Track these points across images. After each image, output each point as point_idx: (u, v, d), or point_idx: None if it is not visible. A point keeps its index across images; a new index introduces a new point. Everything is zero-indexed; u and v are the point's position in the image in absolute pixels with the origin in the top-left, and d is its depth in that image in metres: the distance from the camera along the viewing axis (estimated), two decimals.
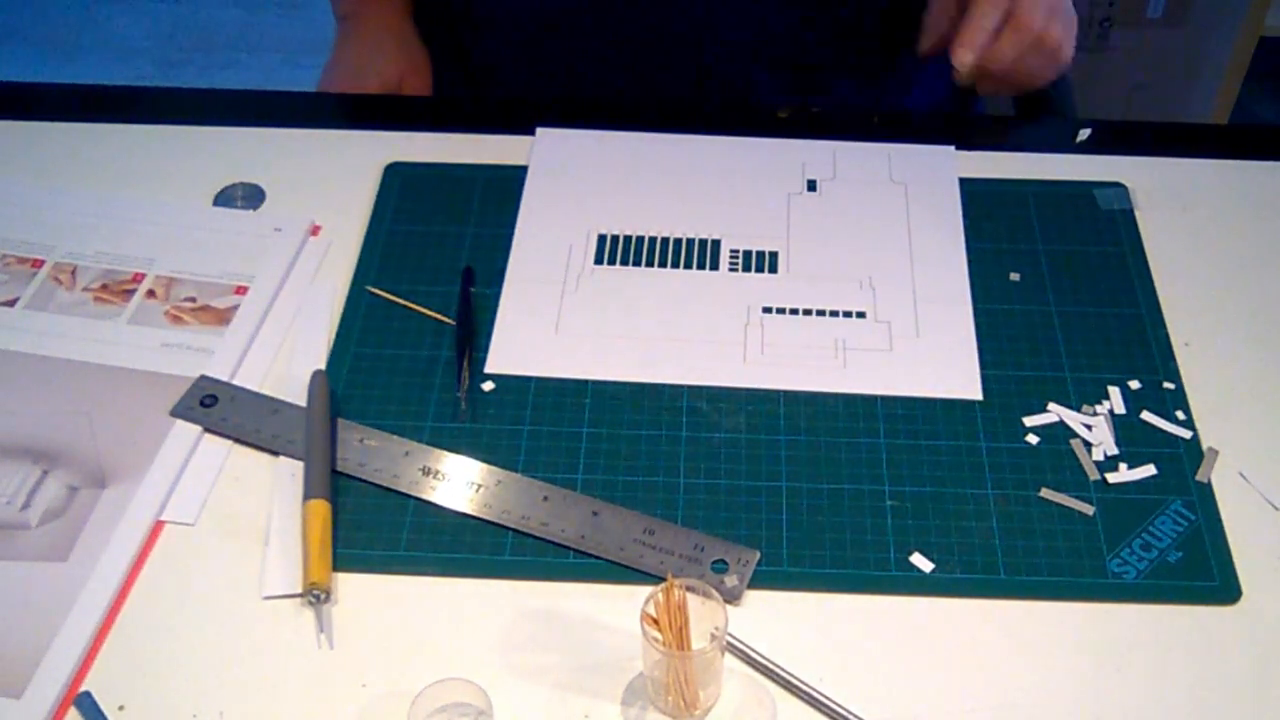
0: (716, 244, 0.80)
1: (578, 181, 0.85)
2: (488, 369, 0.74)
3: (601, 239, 0.81)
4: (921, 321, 0.76)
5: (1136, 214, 0.83)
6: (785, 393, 0.72)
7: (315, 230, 0.83)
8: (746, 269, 0.79)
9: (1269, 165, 0.86)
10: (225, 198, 0.85)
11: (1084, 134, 0.87)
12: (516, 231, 0.81)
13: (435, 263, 0.80)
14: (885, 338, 0.75)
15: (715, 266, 0.79)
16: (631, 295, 0.78)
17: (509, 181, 0.85)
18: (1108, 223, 0.82)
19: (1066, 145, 0.87)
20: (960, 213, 0.82)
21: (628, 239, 0.81)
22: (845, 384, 0.72)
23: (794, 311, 0.76)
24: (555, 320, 0.76)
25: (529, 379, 0.73)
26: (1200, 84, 1.82)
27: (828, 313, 0.76)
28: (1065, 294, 0.78)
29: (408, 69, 1.01)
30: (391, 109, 0.95)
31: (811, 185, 0.84)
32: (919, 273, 0.79)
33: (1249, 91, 1.82)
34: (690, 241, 0.81)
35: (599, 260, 0.80)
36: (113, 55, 2.47)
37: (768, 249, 0.80)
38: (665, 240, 0.81)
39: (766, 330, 0.75)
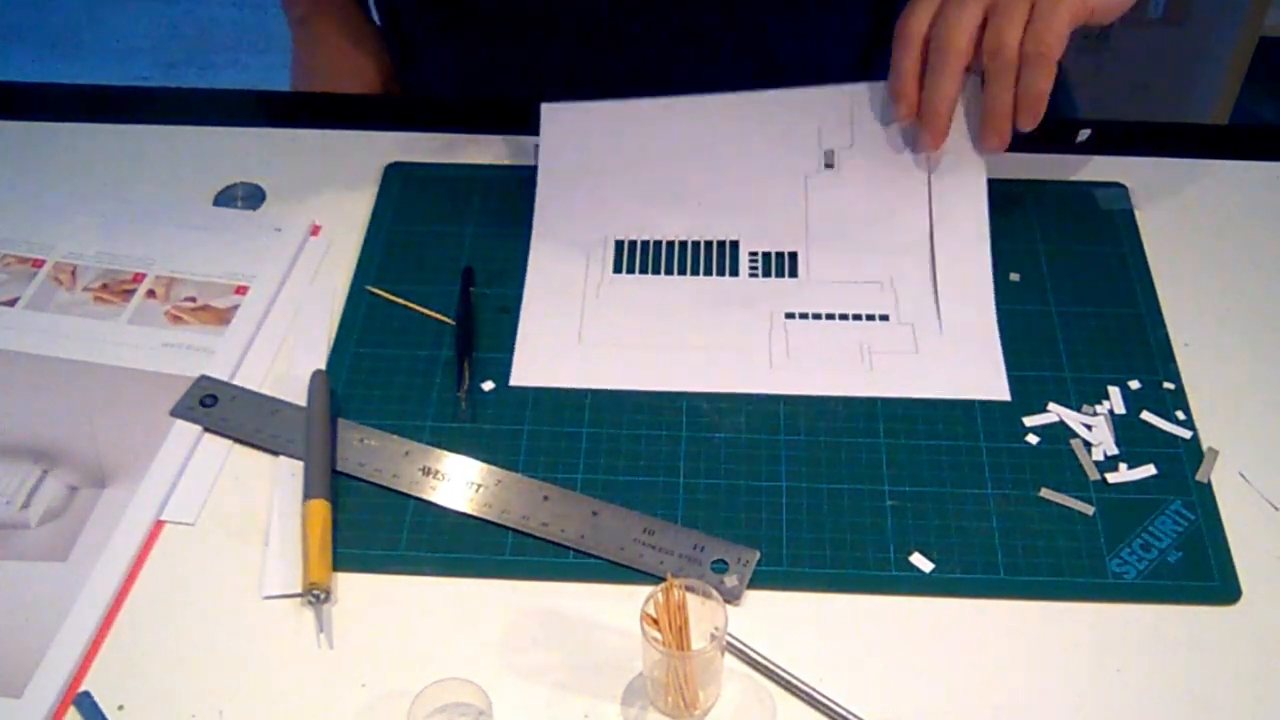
0: (735, 246, 0.79)
1: (589, 173, 0.82)
2: (512, 382, 0.73)
3: (619, 245, 0.80)
4: (945, 321, 0.75)
5: (1136, 214, 0.83)
6: (798, 396, 0.72)
7: (315, 230, 0.83)
8: (766, 273, 0.78)
9: (1269, 165, 0.86)
10: (225, 198, 0.85)
11: (1084, 134, 0.87)
12: (533, 237, 0.80)
13: (435, 263, 0.80)
14: (910, 340, 0.74)
15: (735, 272, 0.78)
16: (653, 304, 0.77)
17: (509, 181, 0.85)
18: (1108, 223, 0.82)
19: (1066, 145, 0.87)
20: (984, 173, 0.79)
21: (645, 245, 0.79)
22: (874, 388, 0.72)
23: (816, 316, 0.76)
24: (578, 331, 0.75)
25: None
26: (1200, 84, 1.82)
27: (850, 316, 0.76)
28: (1065, 294, 0.78)
29: (371, 75, 1.00)
30: (391, 109, 0.95)
31: (829, 160, 0.81)
32: (941, 263, 0.77)
33: (1249, 91, 1.82)
34: (709, 245, 0.79)
35: (618, 269, 0.79)
36: (113, 55, 2.47)
37: (787, 250, 0.79)
38: (684, 245, 0.79)
39: (791, 336, 0.75)
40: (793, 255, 0.79)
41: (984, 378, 0.73)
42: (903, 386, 0.72)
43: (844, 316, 0.76)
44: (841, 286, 0.77)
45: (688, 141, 0.82)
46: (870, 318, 0.76)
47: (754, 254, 0.79)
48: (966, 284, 0.77)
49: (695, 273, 0.78)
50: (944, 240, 0.79)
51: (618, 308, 0.77)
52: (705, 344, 0.75)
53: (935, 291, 0.77)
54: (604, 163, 0.82)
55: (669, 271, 0.78)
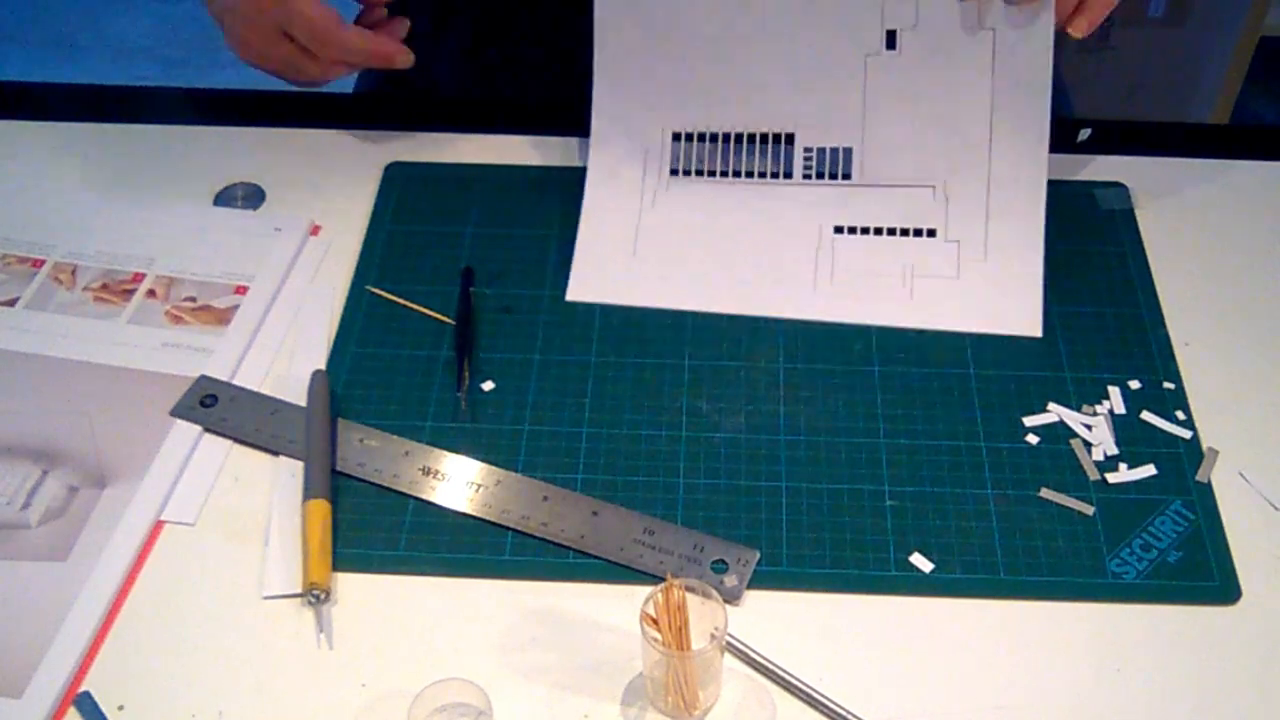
0: (790, 140, 0.79)
1: (645, 51, 0.79)
2: (569, 297, 0.76)
3: (676, 140, 0.80)
4: (991, 240, 0.76)
5: (1136, 214, 0.83)
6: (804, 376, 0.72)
7: (315, 230, 0.83)
8: (820, 175, 0.78)
9: (1269, 165, 0.86)
10: (225, 198, 0.85)
11: (1084, 134, 0.87)
12: (593, 126, 0.80)
13: (435, 263, 0.80)
14: (953, 262, 0.76)
15: (789, 173, 0.79)
16: (707, 215, 0.78)
17: (509, 181, 0.85)
18: (1108, 223, 0.82)
19: (1066, 145, 0.87)
20: (1050, 64, 0.76)
21: (702, 140, 0.79)
22: (911, 317, 0.75)
23: (865, 231, 0.77)
24: (633, 243, 0.77)
25: (528, 380, 0.73)
26: (1200, 84, 1.82)
27: (898, 231, 0.77)
28: (1065, 294, 0.78)
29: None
30: (391, 109, 0.95)
31: (891, 40, 0.77)
32: (996, 165, 0.77)
33: (1249, 91, 1.82)
34: (764, 140, 0.79)
35: (675, 170, 0.80)
36: (113, 55, 2.47)
37: (841, 145, 0.78)
38: (739, 139, 0.79)
39: (837, 254, 0.77)
40: (847, 151, 0.79)
41: (1018, 311, 0.74)
42: (938, 317, 0.74)
43: (891, 231, 0.77)
44: (894, 192, 0.78)
45: (745, 13, 0.78)
46: (918, 233, 0.77)
47: (809, 151, 0.79)
48: (1020, 185, 0.77)
49: (750, 175, 0.79)
50: (1002, 133, 0.76)
51: (672, 218, 0.78)
52: (755, 262, 0.77)
53: (987, 195, 0.76)
54: (660, 38, 0.79)
55: (724, 173, 0.79)
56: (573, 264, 0.77)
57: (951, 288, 0.75)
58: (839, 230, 0.78)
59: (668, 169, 0.80)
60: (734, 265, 0.77)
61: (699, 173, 0.79)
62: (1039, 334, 0.73)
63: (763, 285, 0.76)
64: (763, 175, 0.79)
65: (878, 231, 0.77)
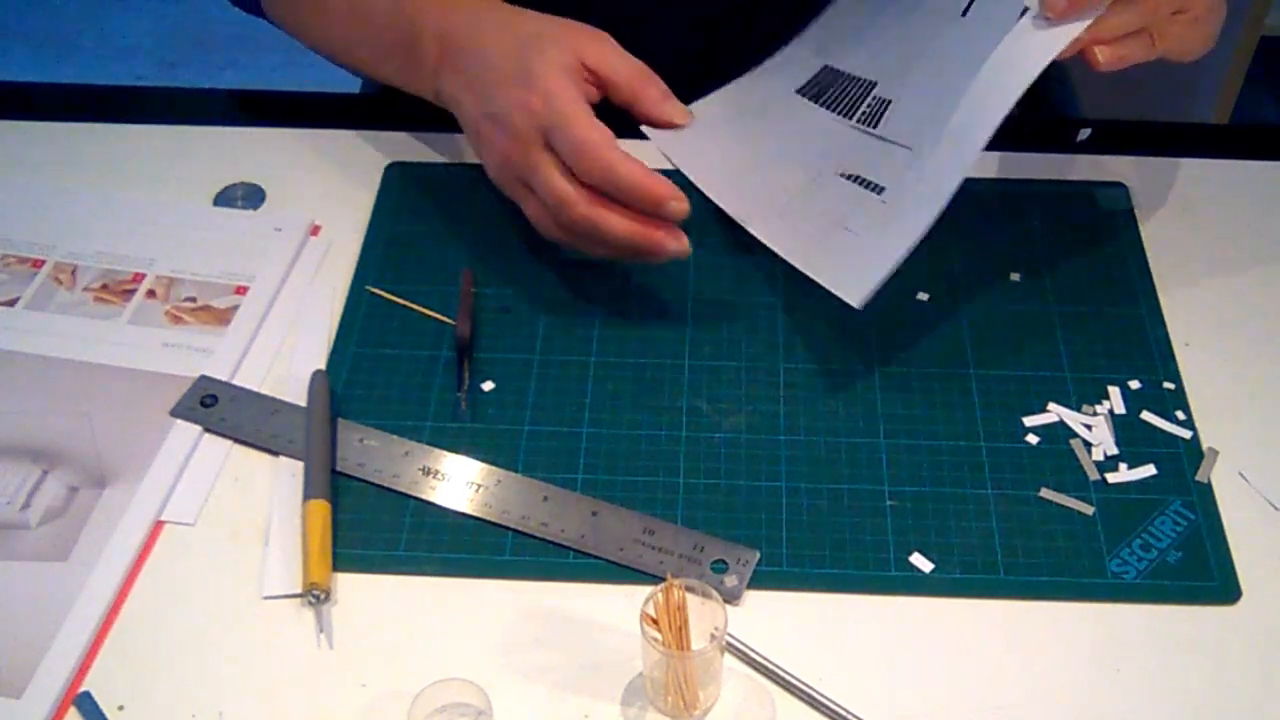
0: (870, 88, 0.80)
1: None
2: (648, 131, 0.77)
3: (823, 70, 0.82)
4: (896, 205, 0.73)
5: (1136, 214, 0.83)
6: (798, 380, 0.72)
7: (315, 230, 0.83)
8: (863, 121, 0.79)
9: (1269, 165, 0.86)
10: (225, 198, 0.85)
11: (1084, 134, 0.87)
12: (806, 32, 0.84)
13: (435, 263, 0.80)
14: (869, 222, 0.73)
15: (851, 115, 0.80)
16: (785, 133, 0.80)
17: None
18: (1108, 223, 0.82)
19: (1066, 145, 0.87)
20: (1035, 75, 0.68)
21: (838, 76, 0.81)
22: (800, 256, 0.72)
23: (856, 180, 0.77)
24: (719, 123, 0.79)
25: (528, 380, 0.73)
26: (1200, 84, 1.82)
27: (863, 182, 0.76)
28: (1065, 294, 0.78)
29: (580, 38, 0.75)
30: (391, 109, 0.95)
31: (966, 8, 0.77)
32: (945, 142, 0.72)
33: (1249, 91, 1.82)
34: (859, 82, 0.81)
35: (801, 91, 0.82)
36: (113, 55, 2.47)
37: (884, 97, 0.79)
38: (854, 82, 0.81)
39: (820, 192, 0.77)
40: (885, 103, 0.79)
41: (855, 275, 0.69)
42: (809, 261, 0.72)
43: (867, 184, 0.76)
44: (892, 149, 0.77)
45: None
46: (869, 185, 0.76)
47: (876, 100, 0.79)
48: (944, 170, 0.71)
49: (835, 110, 0.80)
50: (965, 113, 0.71)
51: (762, 124, 0.80)
52: (766, 173, 0.78)
53: (925, 165, 0.73)
54: None
55: (825, 105, 0.81)
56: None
57: (846, 241, 0.73)
58: (843, 176, 0.77)
59: (795, 89, 0.82)
60: (756, 168, 0.78)
61: (815, 99, 0.81)
62: (857, 305, 0.68)
63: (756, 190, 0.77)
64: (838, 111, 0.80)
65: (862, 183, 0.76)
